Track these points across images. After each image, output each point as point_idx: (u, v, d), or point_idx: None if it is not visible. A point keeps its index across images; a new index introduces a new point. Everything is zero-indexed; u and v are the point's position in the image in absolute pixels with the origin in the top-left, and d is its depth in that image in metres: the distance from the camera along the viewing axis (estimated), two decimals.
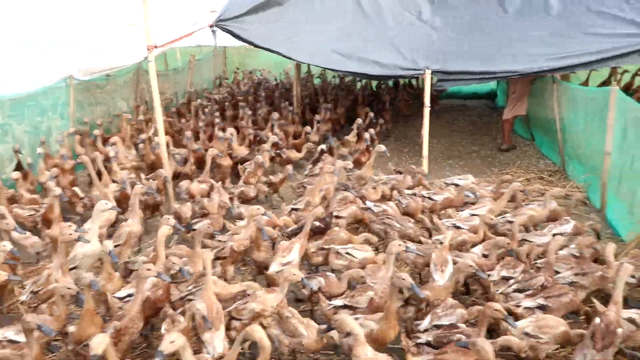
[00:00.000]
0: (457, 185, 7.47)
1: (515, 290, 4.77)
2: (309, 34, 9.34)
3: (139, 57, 10.98)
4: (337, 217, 6.36)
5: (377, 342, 3.90)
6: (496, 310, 3.85)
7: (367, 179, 7.90)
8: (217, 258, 5.49)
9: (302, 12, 9.51)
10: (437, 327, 4.23)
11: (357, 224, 6.68)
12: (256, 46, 8.84)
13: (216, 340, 3.97)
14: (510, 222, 5.86)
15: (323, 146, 9.20)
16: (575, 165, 8.69)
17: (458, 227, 5.99)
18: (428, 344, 4.09)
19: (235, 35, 8.47)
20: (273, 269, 5.26)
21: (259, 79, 16.67)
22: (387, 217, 5.95)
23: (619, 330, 3.76)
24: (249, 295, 4.42)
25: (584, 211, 7.38)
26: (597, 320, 3.82)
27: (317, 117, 10.67)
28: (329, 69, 9.33)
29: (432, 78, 8.62)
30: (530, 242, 5.62)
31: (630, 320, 4.04)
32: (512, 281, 4.87)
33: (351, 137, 9.85)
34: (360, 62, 9.06)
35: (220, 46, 16.97)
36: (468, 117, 14.76)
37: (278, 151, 9.06)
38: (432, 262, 4.86)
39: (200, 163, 8.33)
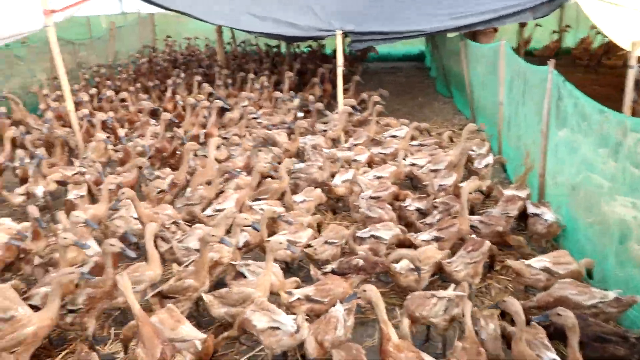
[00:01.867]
0: (395, 136, 8.10)
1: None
2: None
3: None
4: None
5: None
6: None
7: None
8: None
9: None
10: (374, 237, 4.95)
11: None
12: (164, 8, 8.75)
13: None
14: (433, 170, 6.67)
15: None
16: (482, 118, 9.24)
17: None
18: (333, 271, 4.48)
19: None
20: (206, 212, 5.67)
21: (189, 48, 16.44)
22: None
23: (487, 242, 4.61)
24: None
25: None
26: (473, 236, 4.88)
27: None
28: (242, 30, 9.37)
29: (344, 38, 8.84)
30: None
31: (545, 269, 4.41)
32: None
33: None
34: (274, 23, 9.17)
35: (145, 13, 16.49)
36: (396, 77, 15.17)
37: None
38: None
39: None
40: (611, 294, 3.93)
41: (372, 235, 4.99)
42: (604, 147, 4.49)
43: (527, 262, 4.53)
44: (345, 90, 9.85)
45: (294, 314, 4.05)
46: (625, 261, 4.32)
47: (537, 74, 5.92)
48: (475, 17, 8.55)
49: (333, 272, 4.46)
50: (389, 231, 5.01)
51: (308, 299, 4.11)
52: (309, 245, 5.02)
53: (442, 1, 8.93)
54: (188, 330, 3.66)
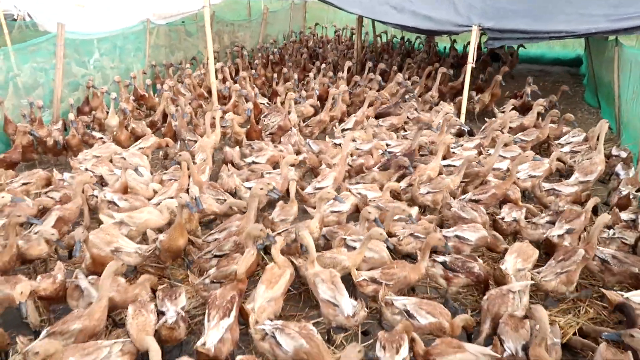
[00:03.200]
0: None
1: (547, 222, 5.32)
2: None
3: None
4: None
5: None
6: (439, 239, 4.27)
7: None
8: None
9: None
10: (458, 237, 4.85)
11: None
12: None
13: None
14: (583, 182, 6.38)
15: None
16: (627, 134, 8.27)
17: None
18: (443, 263, 4.47)
19: None
20: (307, 190, 6.05)
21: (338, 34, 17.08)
22: None
23: (581, 251, 4.37)
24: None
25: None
26: (565, 243, 4.76)
27: None
28: (377, 20, 9.49)
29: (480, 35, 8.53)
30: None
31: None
32: (543, 214, 5.44)
33: None
34: (410, 15, 9.16)
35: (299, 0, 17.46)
36: (541, 82, 14.06)
37: None
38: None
39: None
40: None
41: (456, 235, 4.89)
42: None
43: (626, 294, 4.09)
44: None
45: (363, 293, 4.26)
46: None
47: None
48: (638, 20, 7.64)
49: (443, 264, 4.46)
50: (474, 233, 4.86)
51: (373, 280, 4.25)
52: (394, 235, 5.11)
53: (601, 0, 8.09)
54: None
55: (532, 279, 4.29)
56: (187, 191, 5.81)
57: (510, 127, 8.39)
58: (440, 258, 4.50)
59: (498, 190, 5.78)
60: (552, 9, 8.46)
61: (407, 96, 9.90)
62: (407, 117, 8.93)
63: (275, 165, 6.92)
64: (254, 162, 7.01)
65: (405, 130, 8.56)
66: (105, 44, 10.44)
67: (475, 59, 8.71)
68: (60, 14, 9.34)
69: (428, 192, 6.01)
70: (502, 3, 8.98)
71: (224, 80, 10.74)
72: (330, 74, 11.02)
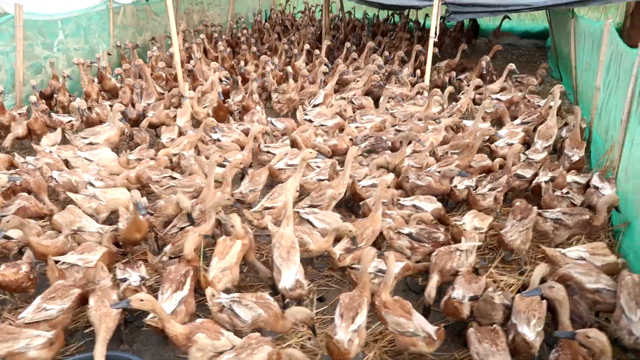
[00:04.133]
0: None
1: (490, 189, 5.55)
2: None
3: None
4: None
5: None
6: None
7: None
8: None
9: None
10: (415, 207, 5.09)
11: None
12: None
13: None
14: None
15: None
16: (582, 103, 8.56)
17: None
18: (409, 234, 4.61)
19: None
20: (278, 165, 6.18)
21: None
22: None
23: (535, 208, 4.73)
24: None
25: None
26: (517, 203, 4.98)
27: None
28: None
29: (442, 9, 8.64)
30: None
31: (581, 260, 4.28)
32: (485, 182, 5.65)
33: None
34: None
35: None
36: (508, 55, 14.31)
37: None
38: None
39: None
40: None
41: (413, 205, 5.10)
42: None
43: (563, 250, 4.38)
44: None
45: (345, 267, 4.41)
46: None
47: (629, 56, 5.42)
48: None
49: (409, 235, 4.58)
50: (430, 204, 5.11)
51: (347, 250, 4.44)
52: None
53: None
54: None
55: (503, 240, 4.60)
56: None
57: (499, 100, 8.55)
58: (406, 230, 4.62)
59: (462, 161, 6.05)
60: None
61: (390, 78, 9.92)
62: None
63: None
64: (219, 140, 7.10)
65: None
66: (69, 25, 10.27)
67: (437, 33, 8.82)
68: None
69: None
70: None
71: (189, 61, 10.67)
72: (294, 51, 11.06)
